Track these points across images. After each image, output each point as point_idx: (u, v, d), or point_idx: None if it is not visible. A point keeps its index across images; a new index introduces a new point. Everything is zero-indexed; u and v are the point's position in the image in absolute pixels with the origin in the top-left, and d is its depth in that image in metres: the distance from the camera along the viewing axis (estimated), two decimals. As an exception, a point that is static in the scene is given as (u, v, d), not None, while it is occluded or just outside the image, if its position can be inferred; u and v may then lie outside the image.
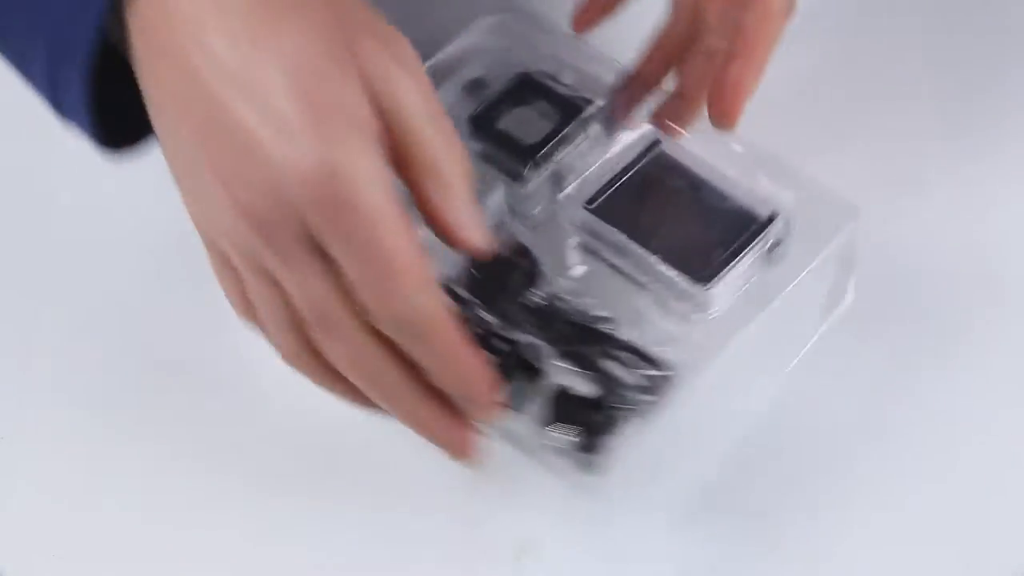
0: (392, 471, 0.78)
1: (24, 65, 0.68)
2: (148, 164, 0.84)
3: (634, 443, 0.74)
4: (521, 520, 0.77)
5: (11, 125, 0.90)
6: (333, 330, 0.64)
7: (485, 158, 0.82)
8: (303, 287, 0.63)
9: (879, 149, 0.90)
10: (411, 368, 0.66)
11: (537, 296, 0.78)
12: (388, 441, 0.76)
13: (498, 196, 0.80)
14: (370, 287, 0.62)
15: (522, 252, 0.79)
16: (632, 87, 0.81)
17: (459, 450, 0.70)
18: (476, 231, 0.66)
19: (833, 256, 0.80)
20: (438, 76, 0.83)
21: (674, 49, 0.79)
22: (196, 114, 0.61)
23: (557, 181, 0.82)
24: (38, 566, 0.76)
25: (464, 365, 0.66)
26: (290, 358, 0.67)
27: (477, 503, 0.78)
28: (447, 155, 0.65)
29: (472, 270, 0.77)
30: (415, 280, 0.62)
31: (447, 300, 0.65)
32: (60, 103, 0.68)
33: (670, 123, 0.80)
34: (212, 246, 0.65)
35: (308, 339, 0.65)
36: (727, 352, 0.76)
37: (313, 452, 0.79)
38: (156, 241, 0.86)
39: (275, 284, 0.63)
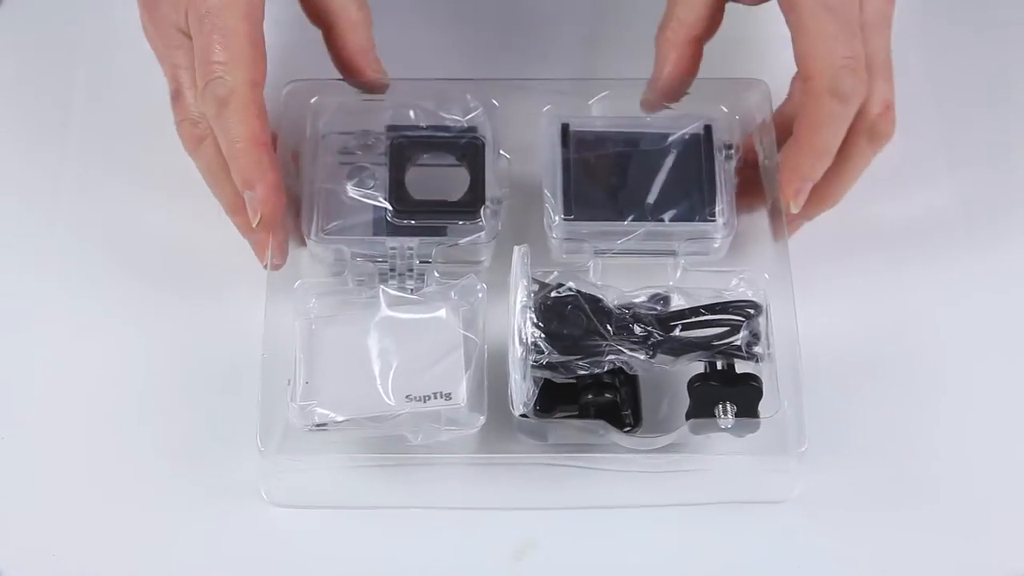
0: (409, 471, 0.77)
1: None
2: (147, 174, 0.85)
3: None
4: (521, 520, 0.77)
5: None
6: (177, 100, 0.79)
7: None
8: (168, 60, 0.78)
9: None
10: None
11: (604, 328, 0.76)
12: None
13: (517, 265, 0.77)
14: (201, 57, 0.75)
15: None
16: None
17: (258, 251, 0.80)
18: (368, 66, 0.81)
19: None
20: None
21: None
22: None
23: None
24: (38, 566, 0.76)
25: (247, 156, 0.76)
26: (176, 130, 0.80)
27: (477, 503, 0.77)
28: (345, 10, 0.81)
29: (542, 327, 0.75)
30: (235, 59, 0.75)
31: (258, 99, 0.76)
32: None
33: None
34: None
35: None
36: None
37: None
38: (159, 244, 0.85)
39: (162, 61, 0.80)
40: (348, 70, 0.82)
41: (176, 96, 0.78)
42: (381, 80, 0.82)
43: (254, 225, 0.77)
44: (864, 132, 0.79)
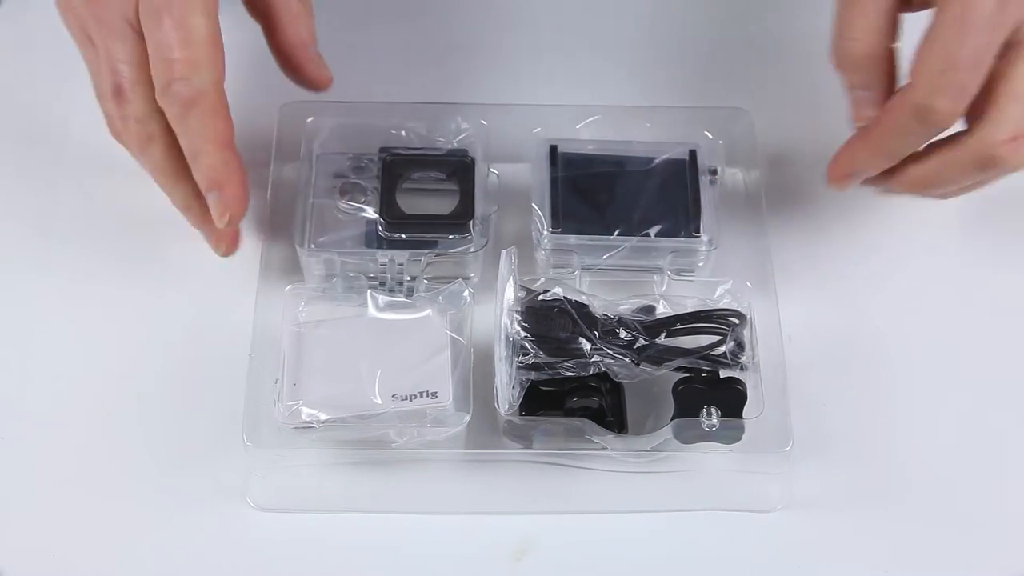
0: (394, 472, 0.78)
1: None
2: (143, 175, 0.85)
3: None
4: (521, 520, 0.78)
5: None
6: (119, 96, 0.75)
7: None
8: (106, 52, 0.74)
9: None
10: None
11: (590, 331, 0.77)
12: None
13: (505, 266, 0.79)
14: (160, 55, 0.72)
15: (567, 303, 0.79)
16: None
17: (216, 242, 0.80)
18: (309, 61, 0.79)
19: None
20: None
21: None
22: None
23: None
24: (38, 566, 0.77)
25: (215, 157, 0.74)
26: (108, 125, 0.77)
27: (477, 503, 0.78)
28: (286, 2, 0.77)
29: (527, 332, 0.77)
30: (201, 59, 0.72)
31: (223, 99, 0.74)
32: None
33: None
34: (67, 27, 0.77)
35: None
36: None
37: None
38: (153, 245, 0.86)
39: (97, 52, 0.75)
40: (289, 65, 0.79)
41: (117, 92, 0.74)
42: (323, 75, 0.79)
43: (221, 226, 0.76)
44: (976, 157, 0.74)
